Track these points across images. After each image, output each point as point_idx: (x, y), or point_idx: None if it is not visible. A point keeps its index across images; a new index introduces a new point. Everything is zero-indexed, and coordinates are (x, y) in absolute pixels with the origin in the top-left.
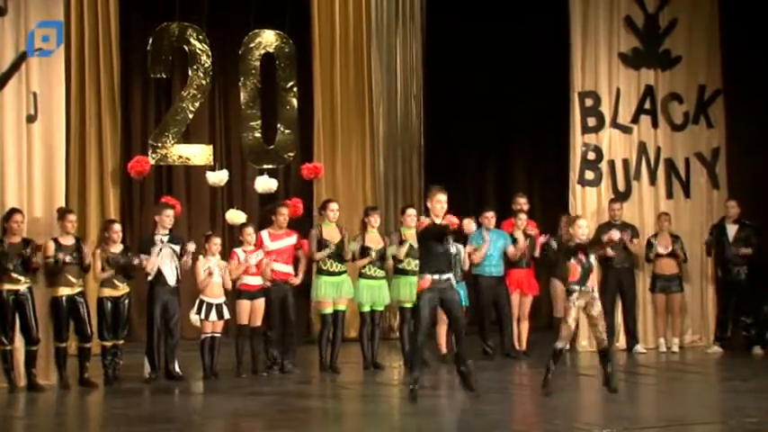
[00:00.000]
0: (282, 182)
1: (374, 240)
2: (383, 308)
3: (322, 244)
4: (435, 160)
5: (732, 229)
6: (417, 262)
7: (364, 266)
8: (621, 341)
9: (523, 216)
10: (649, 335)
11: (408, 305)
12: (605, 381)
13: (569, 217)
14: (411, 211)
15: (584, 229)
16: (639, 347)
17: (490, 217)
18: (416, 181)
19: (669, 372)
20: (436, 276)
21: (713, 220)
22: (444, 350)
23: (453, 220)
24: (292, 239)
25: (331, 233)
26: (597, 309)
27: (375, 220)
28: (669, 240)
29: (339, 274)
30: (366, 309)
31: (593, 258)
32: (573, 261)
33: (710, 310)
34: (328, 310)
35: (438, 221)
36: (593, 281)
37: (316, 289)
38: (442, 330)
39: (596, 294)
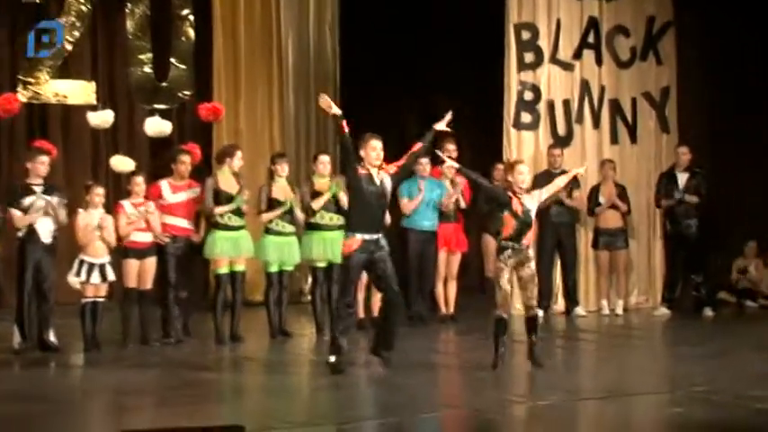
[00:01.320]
0: (177, 124)
1: (282, 192)
2: (293, 268)
3: (220, 196)
4: (353, 99)
5: (682, 178)
6: (332, 216)
7: (271, 221)
8: (560, 304)
9: (452, 164)
10: (591, 296)
11: (321, 265)
12: (529, 353)
13: (507, 163)
14: (324, 158)
15: (525, 176)
16: (579, 310)
17: (425, 164)
18: (331, 122)
19: (612, 337)
20: (368, 236)
21: (662, 168)
22: (362, 314)
23: (391, 170)
24: (195, 191)
25: (229, 183)
26: (529, 270)
27: (282, 168)
28: (614, 191)
29: (237, 228)
30: (273, 269)
31: (533, 211)
32: (507, 213)
33: (658, 267)
34: (223, 269)
35: (374, 171)
36: (530, 238)
37: (210, 246)
38: (359, 295)
39: (531, 253)
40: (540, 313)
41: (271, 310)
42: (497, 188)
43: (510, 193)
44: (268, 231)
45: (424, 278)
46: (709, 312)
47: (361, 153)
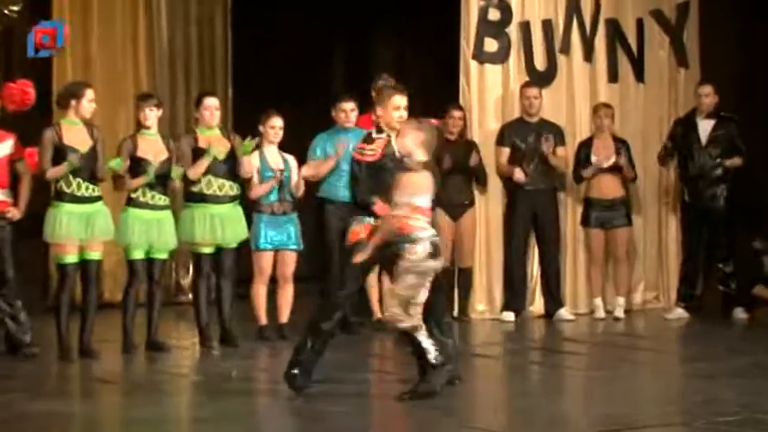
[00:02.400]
0: (3, 52)
1: (152, 148)
2: (167, 255)
3: (63, 153)
4: (251, 21)
5: (706, 127)
6: (223, 183)
7: (136, 190)
8: (538, 304)
9: None
10: (580, 293)
11: (207, 250)
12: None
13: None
14: (211, 102)
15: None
16: (565, 313)
17: (349, 110)
18: (221, 54)
19: (609, 348)
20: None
21: (679, 115)
22: (264, 320)
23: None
24: (6, 147)
25: (76, 136)
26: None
27: (151, 115)
28: (612, 147)
29: (90, 200)
30: (138, 255)
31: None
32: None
33: (672, 253)
34: (70, 257)
35: (393, 137)
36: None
37: (51, 224)
38: (261, 291)
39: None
40: (511, 317)
41: (130, 313)
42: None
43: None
44: (131, 203)
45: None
46: (741, 314)
47: (378, 111)
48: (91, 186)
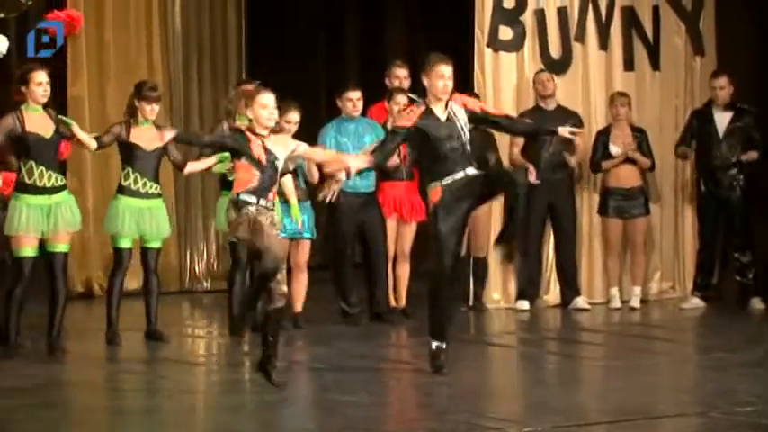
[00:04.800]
0: (16, 40)
1: (144, 136)
2: (160, 244)
3: (25, 142)
4: (264, 5)
5: (723, 119)
6: None
7: (127, 177)
8: (553, 293)
9: (403, 98)
10: (596, 282)
11: None
12: (261, 364)
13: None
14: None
15: (270, 111)
16: (581, 302)
17: (356, 99)
18: (233, 39)
19: (625, 338)
20: (448, 179)
21: (695, 104)
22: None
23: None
24: None
25: (39, 123)
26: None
27: (151, 108)
28: (629, 136)
29: (53, 191)
30: (125, 245)
31: (281, 161)
32: (244, 160)
33: (689, 243)
34: (28, 251)
35: (437, 107)
36: (275, 193)
37: (10, 216)
38: None
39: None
40: (526, 306)
41: (112, 301)
42: (220, 133)
43: (248, 133)
44: (122, 192)
45: (375, 256)
46: (758, 304)
47: (424, 81)
48: (54, 175)
